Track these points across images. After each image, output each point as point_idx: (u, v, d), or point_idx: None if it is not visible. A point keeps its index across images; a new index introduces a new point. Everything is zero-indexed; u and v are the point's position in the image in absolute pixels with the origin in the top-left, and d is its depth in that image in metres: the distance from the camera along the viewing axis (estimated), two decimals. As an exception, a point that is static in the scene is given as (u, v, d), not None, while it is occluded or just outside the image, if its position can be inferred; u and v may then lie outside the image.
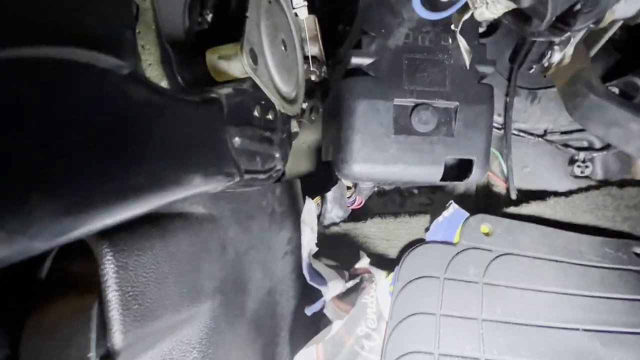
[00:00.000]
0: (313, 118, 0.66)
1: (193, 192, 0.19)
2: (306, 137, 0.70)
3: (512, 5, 0.27)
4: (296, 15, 0.56)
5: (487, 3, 0.28)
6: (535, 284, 0.55)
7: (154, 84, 0.19)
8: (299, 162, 0.68)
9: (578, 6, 0.26)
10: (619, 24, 0.37)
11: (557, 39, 0.31)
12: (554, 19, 0.26)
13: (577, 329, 0.53)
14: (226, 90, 0.34)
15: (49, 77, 0.13)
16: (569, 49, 0.40)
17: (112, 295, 0.22)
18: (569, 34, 0.28)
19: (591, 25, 0.31)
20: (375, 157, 0.48)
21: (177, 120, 0.19)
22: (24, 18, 0.15)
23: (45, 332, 0.20)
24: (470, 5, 0.30)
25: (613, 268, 0.58)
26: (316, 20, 0.59)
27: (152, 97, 0.17)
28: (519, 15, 0.29)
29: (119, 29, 0.17)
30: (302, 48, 0.58)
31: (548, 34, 0.28)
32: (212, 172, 0.22)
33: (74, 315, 0.21)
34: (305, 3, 0.56)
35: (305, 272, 0.49)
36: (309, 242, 0.49)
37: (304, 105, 0.65)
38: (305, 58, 0.59)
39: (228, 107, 0.34)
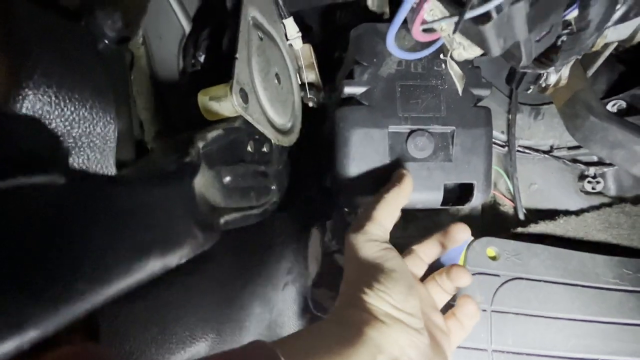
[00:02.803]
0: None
1: (150, 273, 0.19)
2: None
3: (488, 50, 0.27)
4: (291, 46, 0.57)
5: (463, 46, 0.27)
6: (549, 310, 0.53)
7: (97, 179, 0.20)
8: (299, 189, 0.68)
9: (558, 43, 0.25)
10: (614, 45, 0.37)
11: (543, 72, 0.31)
12: (533, 59, 0.26)
13: (596, 359, 0.50)
14: (216, 133, 0.34)
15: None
16: (565, 71, 0.39)
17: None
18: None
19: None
20: (372, 186, 0.48)
21: (126, 210, 0.19)
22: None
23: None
24: (448, 46, 0.30)
25: (632, 291, 0.55)
26: (311, 49, 0.60)
27: (89, 199, 0.17)
28: (502, 50, 0.29)
29: (42, 147, 0.18)
30: (298, 77, 0.59)
31: (533, 67, 0.28)
32: (173, 248, 0.22)
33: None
34: (300, 34, 0.57)
35: (310, 302, 0.49)
36: (314, 273, 0.49)
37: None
38: (302, 86, 0.60)
39: (218, 149, 0.34)
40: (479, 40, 0.24)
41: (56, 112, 0.21)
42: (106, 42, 0.24)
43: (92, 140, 0.23)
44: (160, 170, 0.24)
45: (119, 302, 0.24)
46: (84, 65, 0.23)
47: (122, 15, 0.23)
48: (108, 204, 0.18)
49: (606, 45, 0.36)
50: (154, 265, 0.19)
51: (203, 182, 0.30)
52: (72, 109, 0.22)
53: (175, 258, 0.22)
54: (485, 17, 0.22)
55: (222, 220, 0.31)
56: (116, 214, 0.18)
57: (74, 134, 0.22)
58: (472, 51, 0.27)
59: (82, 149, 0.23)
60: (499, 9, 0.22)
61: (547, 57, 0.27)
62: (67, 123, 0.22)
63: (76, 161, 0.22)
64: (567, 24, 0.25)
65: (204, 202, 0.28)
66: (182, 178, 0.26)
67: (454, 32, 0.23)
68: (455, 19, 0.22)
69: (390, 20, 0.47)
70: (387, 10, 0.53)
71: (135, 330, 0.25)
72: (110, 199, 0.19)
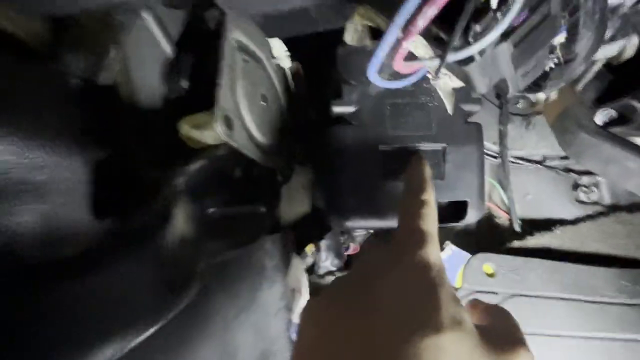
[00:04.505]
0: (305, 161, 0.66)
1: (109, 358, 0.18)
2: (300, 180, 0.69)
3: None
4: (278, 65, 0.56)
5: (449, 75, 0.27)
6: (548, 327, 0.52)
7: (44, 268, 0.18)
8: (293, 207, 0.66)
9: (547, 69, 0.25)
10: (603, 62, 0.36)
11: (532, 96, 0.30)
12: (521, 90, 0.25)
13: (599, 377, 0.49)
14: (199, 164, 0.33)
15: None
16: (554, 87, 0.39)
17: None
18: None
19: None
20: (364, 206, 0.47)
21: (78, 296, 0.18)
22: None
23: None
24: (433, 75, 0.29)
25: (632, 304, 0.54)
26: (300, 67, 0.59)
27: (28, 291, 0.16)
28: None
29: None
30: (287, 97, 0.58)
31: (522, 94, 0.27)
32: (136, 326, 0.20)
33: None
34: (288, 53, 0.56)
35: (293, 335, 0.47)
36: (300, 305, 0.47)
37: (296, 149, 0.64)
38: (291, 105, 0.59)
39: (202, 180, 0.33)
40: (464, 78, 0.23)
41: (18, 160, 0.20)
42: (75, 80, 0.23)
43: (57, 187, 0.22)
44: (121, 232, 0.23)
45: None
46: (52, 110, 0.22)
47: (86, 56, 0.22)
48: (52, 295, 0.17)
49: (594, 62, 0.35)
50: (113, 350, 0.18)
51: (184, 219, 0.28)
52: (36, 154, 0.21)
53: (140, 333, 0.20)
54: (469, 59, 0.21)
55: (199, 268, 0.29)
56: (65, 305, 0.17)
57: (36, 180, 0.21)
58: (458, 81, 0.27)
59: (48, 196, 0.21)
60: (481, 52, 0.21)
61: (535, 84, 0.26)
62: (27, 169, 0.20)
63: (41, 208, 0.21)
64: (555, 57, 0.24)
65: (179, 249, 0.27)
66: (147, 236, 0.24)
67: (436, 73, 0.23)
68: (437, 61, 0.22)
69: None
70: (368, 42, 0.52)
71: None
72: (54, 291, 0.17)
